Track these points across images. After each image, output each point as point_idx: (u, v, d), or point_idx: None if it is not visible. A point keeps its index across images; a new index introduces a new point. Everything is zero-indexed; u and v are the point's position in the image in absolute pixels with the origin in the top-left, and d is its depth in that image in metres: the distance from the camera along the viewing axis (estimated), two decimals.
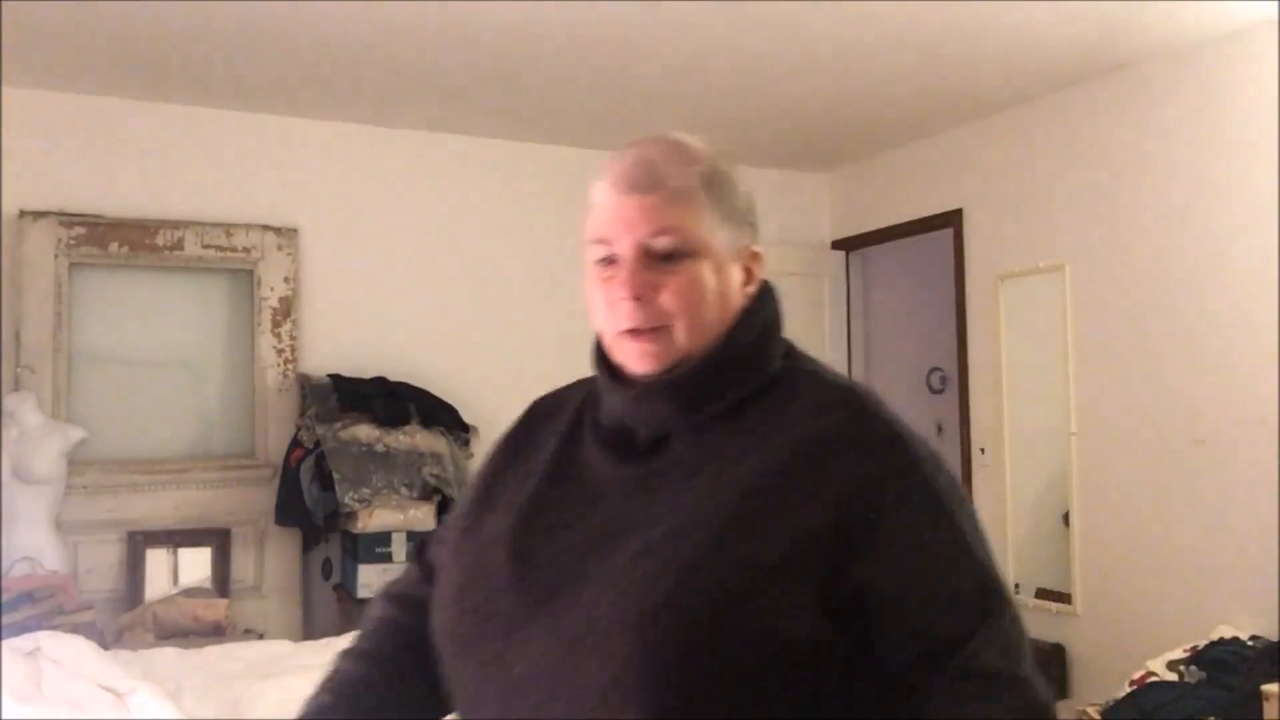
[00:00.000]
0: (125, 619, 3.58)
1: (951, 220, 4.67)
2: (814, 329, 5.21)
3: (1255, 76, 3.43)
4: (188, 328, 4.20)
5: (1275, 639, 3.28)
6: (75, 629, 3.02)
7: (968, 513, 0.94)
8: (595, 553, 0.92)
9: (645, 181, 0.97)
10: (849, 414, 0.95)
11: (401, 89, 4.01)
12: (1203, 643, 3.33)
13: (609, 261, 0.99)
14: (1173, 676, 3.25)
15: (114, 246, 3.97)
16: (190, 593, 3.76)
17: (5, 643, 2.40)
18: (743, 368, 0.99)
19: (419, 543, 1.16)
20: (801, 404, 0.97)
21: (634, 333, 0.98)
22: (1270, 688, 2.88)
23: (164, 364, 4.13)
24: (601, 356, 1.04)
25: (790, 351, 1.04)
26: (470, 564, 1.00)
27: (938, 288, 5.00)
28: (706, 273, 0.98)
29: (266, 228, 4.22)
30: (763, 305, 1.04)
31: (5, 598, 3.23)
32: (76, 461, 3.77)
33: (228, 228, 4.15)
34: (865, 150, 5.03)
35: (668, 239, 0.96)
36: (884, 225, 5.08)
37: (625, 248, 0.97)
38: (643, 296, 0.96)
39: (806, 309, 5.18)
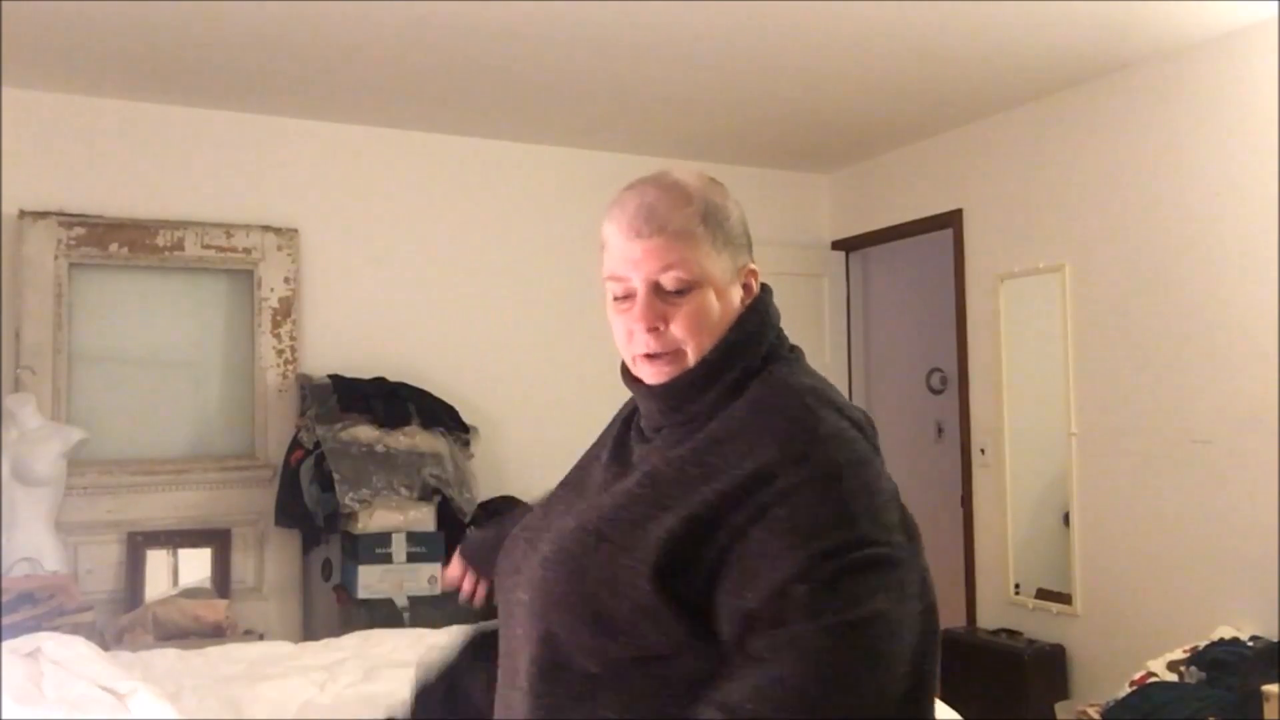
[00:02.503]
0: (125, 620, 3.58)
1: (951, 220, 4.67)
2: (814, 329, 5.21)
3: (1255, 76, 3.43)
4: (188, 328, 4.20)
5: (1275, 639, 3.28)
6: (75, 630, 3.02)
7: (867, 491, 1.00)
8: (554, 527, 1.14)
9: (649, 226, 1.11)
10: (766, 412, 1.07)
11: (401, 89, 4.01)
12: (1203, 643, 3.33)
13: (626, 296, 1.14)
14: (1173, 677, 3.26)
15: (114, 247, 3.97)
16: (190, 593, 3.76)
17: (5, 644, 2.40)
18: (717, 373, 1.12)
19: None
20: (744, 401, 1.09)
21: (650, 357, 1.14)
22: (1270, 688, 2.88)
23: (164, 364, 4.13)
24: (629, 371, 1.21)
25: (772, 353, 1.15)
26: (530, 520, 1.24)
27: (938, 288, 5.00)
28: (710, 300, 1.12)
29: (266, 228, 4.22)
30: (751, 315, 1.16)
31: (5, 598, 3.23)
32: (76, 462, 3.77)
33: (228, 228, 4.15)
34: (865, 150, 5.03)
35: (674, 275, 1.11)
36: (884, 225, 5.08)
37: (638, 285, 1.12)
38: (656, 327, 1.12)
39: (806, 309, 5.18)
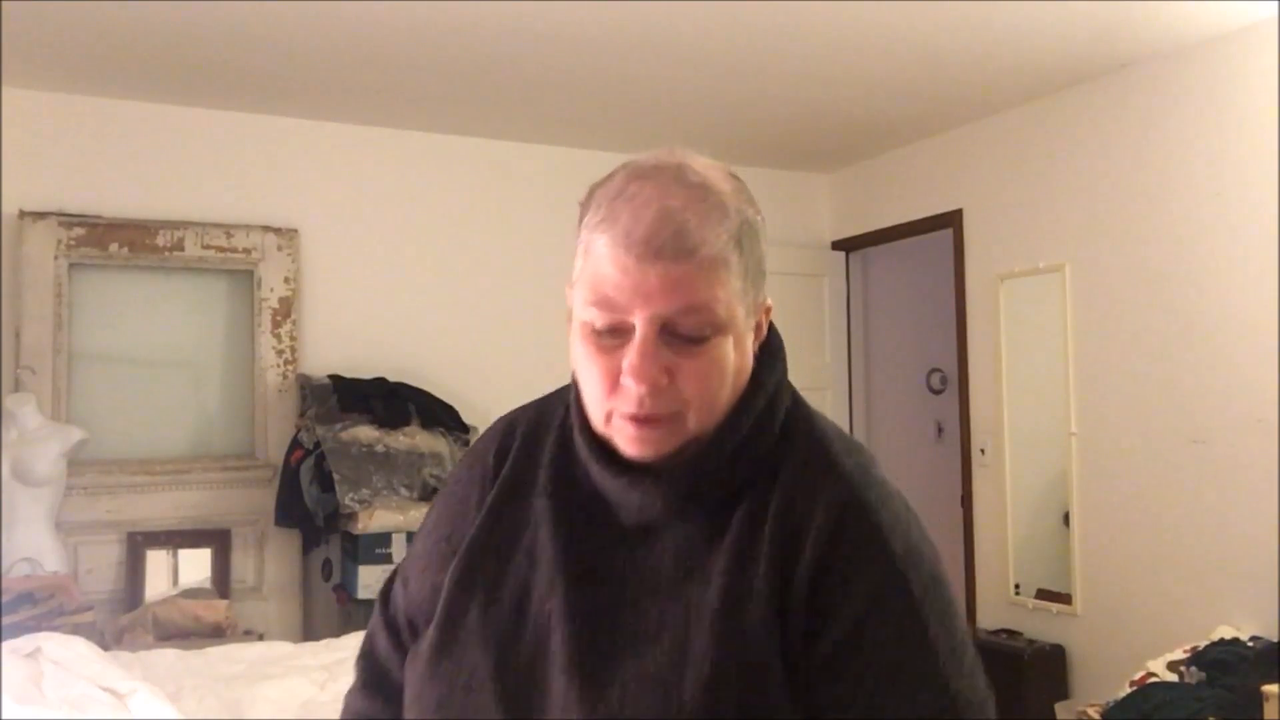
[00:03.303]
0: (125, 620, 3.58)
1: (951, 220, 4.67)
2: (814, 329, 5.21)
3: (1255, 76, 3.43)
4: (188, 328, 4.20)
5: (1275, 639, 3.28)
6: (75, 630, 3.02)
7: (947, 621, 0.86)
8: (578, 672, 0.84)
9: (673, 247, 0.82)
10: (836, 504, 0.87)
11: (402, 89, 4.01)
12: (1203, 643, 3.33)
13: (613, 331, 0.85)
14: (1173, 677, 3.25)
15: (114, 247, 3.97)
16: (190, 593, 3.76)
17: (5, 644, 2.40)
18: (748, 448, 0.90)
19: (383, 589, 1.00)
20: (792, 482, 0.88)
21: (639, 419, 0.86)
22: (1270, 688, 2.88)
23: (164, 364, 4.13)
24: (584, 419, 0.92)
25: (792, 403, 0.95)
26: (445, 693, 0.89)
27: (938, 288, 5.00)
28: (729, 350, 0.87)
29: (266, 228, 4.22)
30: (773, 364, 0.94)
31: (5, 598, 3.23)
32: (76, 462, 3.77)
33: (228, 228, 4.15)
34: (865, 150, 5.03)
35: (697, 319, 0.84)
36: (884, 225, 5.08)
37: (642, 324, 0.83)
38: (659, 383, 0.84)
39: (806, 309, 5.18)
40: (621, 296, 0.83)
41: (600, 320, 0.86)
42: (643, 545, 0.89)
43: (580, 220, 0.89)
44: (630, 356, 0.84)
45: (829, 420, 0.98)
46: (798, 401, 0.97)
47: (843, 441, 0.94)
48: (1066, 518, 4.12)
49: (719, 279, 0.84)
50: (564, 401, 0.99)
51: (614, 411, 0.87)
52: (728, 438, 0.88)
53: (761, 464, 0.89)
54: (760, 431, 0.90)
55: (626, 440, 0.88)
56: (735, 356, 0.87)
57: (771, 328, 0.96)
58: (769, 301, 0.93)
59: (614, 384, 0.86)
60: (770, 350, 0.95)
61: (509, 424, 1.03)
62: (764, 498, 0.88)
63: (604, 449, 0.91)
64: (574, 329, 0.89)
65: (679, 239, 0.82)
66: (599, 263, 0.85)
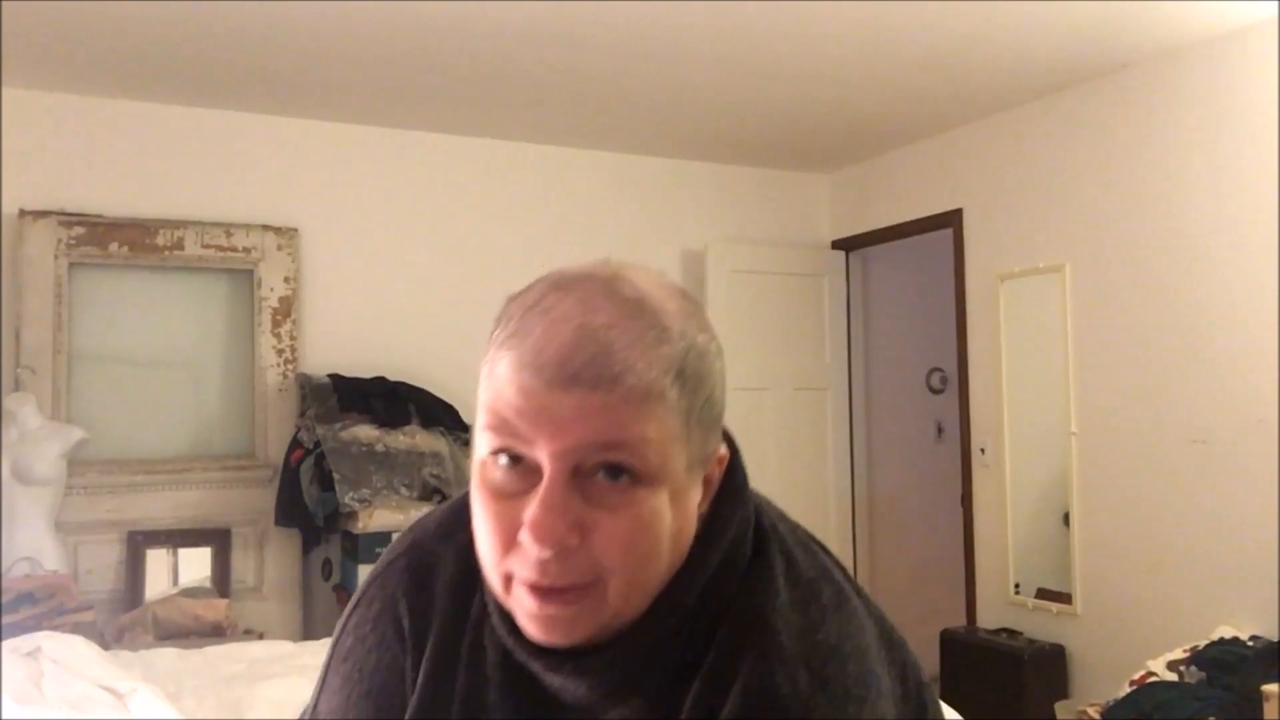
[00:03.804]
0: (125, 619, 3.58)
1: (951, 220, 4.67)
2: (814, 329, 5.21)
3: (1255, 76, 3.43)
4: (188, 328, 4.20)
5: (1275, 639, 3.28)
6: (75, 629, 3.02)
7: None
8: None
9: (591, 372, 0.66)
10: (754, 692, 0.71)
11: (401, 89, 4.01)
12: (1203, 643, 3.33)
13: (512, 464, 0.69)
14: (1173, 676, 3.26)
15: (114, 246, 3.97)
16: (190, 593, 3.76)
17: (5, 643, 2.40)
18: (696, 623, 0.73)
19: None
20: (753, 654, 0.72)
21: (543, 591, 0.68)
22: (1270, 688, 2.88)
23: (164, 364, 4.13)
24: (498, 608, 0.75)
25: (757, 538, 0.78)
26: None
27: (938, 288, 5.00)
28: (663, 507, 0.69)
29: (266, 228, 4.22)
30: (730, 515, 0.76)
31: (5, 598, 3.23)
32: (76, 462, 3.77)
33: (228, 228, 4.15)
34: (865, 150, 5.03)
35: (616, 457, 0.67)
36: (884, 225, 5.08)
37: (548, 461, 0.67)
38: (567, 542, 0.67)
39: (806, 309, 5.18)
40: (524, 426, 0.67)
41: (494, 444, 0.69)
42: (588, 713, 0.74)
43: (490, 336, 0.74)
44: (531, 507, 0.67)
45: (800, 545, 0.81)
46: (762, 538, 0.78)
47: (801, 589, 0.77)
48: (1066, 518, 4.12)
49: (650, 413, 0.67)
50: (467, 523, 0.81)
51: (512, 576, 0.70)
52: (664, 618, 0.71)
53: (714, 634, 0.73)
54: (710, 600, 0.73)
55: (528, 617, 0.70)
56: (672, 516, 0.69)
57: (735, 461, 0.78)
58: (723, 450, 0.76)
59: (510, 540, 0.69)
60: (730, 492, 0.76)
61: (418, 564, 0.83)
62: (724, 673, 0.71)
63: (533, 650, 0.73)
64: (473, 470, 0.72)
65: (599, 362, 0.66)
66: (500, 385, 0.69)
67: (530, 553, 0.67)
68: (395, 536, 0.88)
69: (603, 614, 0.69)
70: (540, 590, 0.68)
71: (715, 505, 0.75)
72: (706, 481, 0.74)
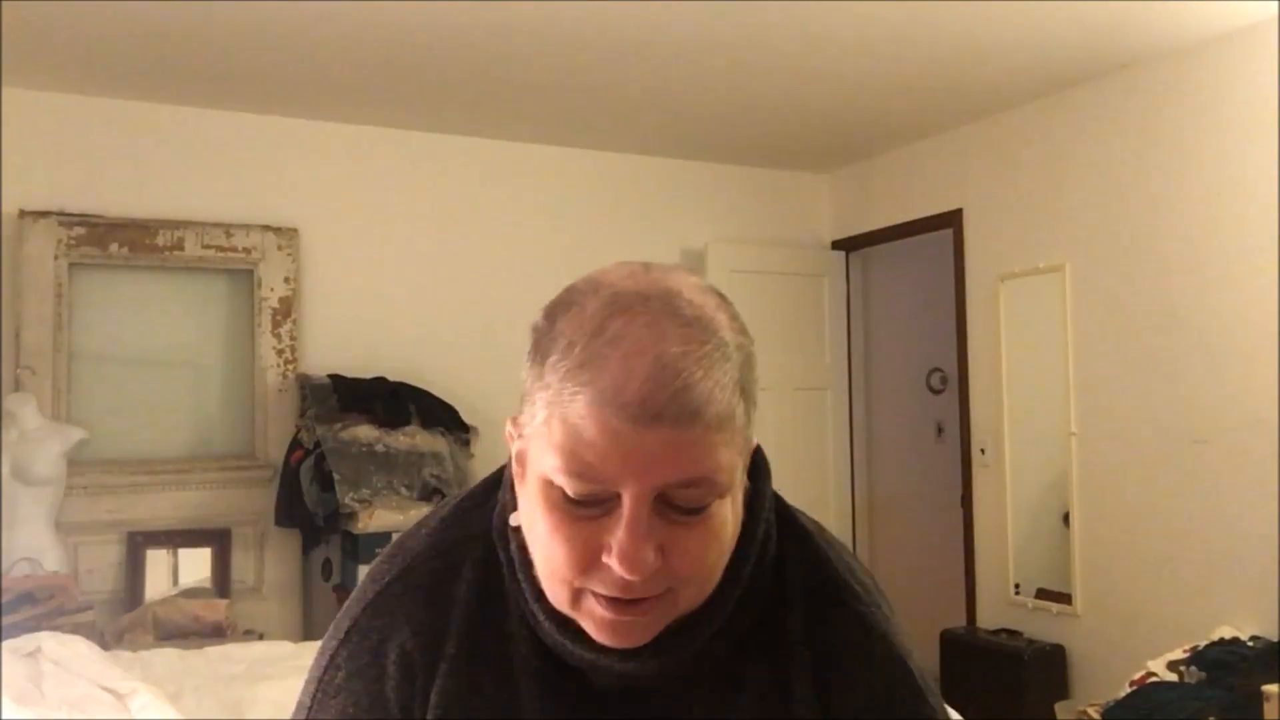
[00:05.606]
0: (125, 620, 3.58)
1: (951, 220, 4.67)
2: (814, 329, 5.21)
3: (1255, 76, 3.43)
4: (188, 328, 4.20)
5: (1275, 639, 3.28)
6: (75, 630, 3.02)
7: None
8: None
9: (675, 409, 0.66)
10: (855, 631, 0.82)
11: (401, 89, 4.01)
12: (1203, 643, 3.33)
13: (592, 502, 0.69)
14: (1173, 676, 3.26)
15: (114, 246, 3.97)
16: (190, 593, 3.77)
17: (6, 643, 2.40)
18: (749, 600, 0.79)
19: None
20: (798, 609, 0.82)
21: (623, 603, 0.71)
22: (1270, 688, 2.88)
23: (164, 364, 4.13)
24: (532, 579, 0.77)
25: (780, 519, 0.85)
26: None
27: (938, 288, 5.00)
28: (728, 513, 0.73)
29: (266, 228, 4.22)
30: (762, 495, 0.81)
31: (6, 598, 3.23)
32: (76, 462, 3.77)
33: (228, 228, 4.15)
34: (865, 150, 5.03)
35: (699, 491, 0.69)
36: (884, 225, 5.08)
37: (633, 499, 0.68)
38: (653, 565, 0.69)
39: (806, 309, 5.18)
40: (608, 468, 0.67)
41: (573, 488, 0.68)
42: (636, 703, 0.79)
43: (533, 351, 0.72)
44: (618, 535, 0.68)
45: (809, 520, 0.89)
46: (784, 518, 0.86)
47: (835, 549, 0.87)
48: (1066, 518, 4.12)
49: (727, 440, 0.69)
50: (468, 534, 0.84)
51: (585, 590, 0.71)
52: (729, 595, 0.77)
53: (762, 602, 0.81)
54: (751, 591, 0.80)
55: (599, 625, 0.72)
56: (731, 515, 0.74)
57: (757, 456, 0.82)
58: (755, 441, 0.79)
59: (587, 562, 0.70)
60: (762, 469, 0.82)
61: (417, 584, 0.82)
62: (776, 633, 0.80)
63: (571, 624, 0.75)
64: (529, 484, 0.73)
65: (682, 399, 0.66)
66: (579, 425, 0.67)
67: (613, 573, 0.69)
68: (375, 562, 0.87)
69: (673, 615, 0.74)
70: (618, 603, 0.71)
71: (752, 480, 0.79)
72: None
